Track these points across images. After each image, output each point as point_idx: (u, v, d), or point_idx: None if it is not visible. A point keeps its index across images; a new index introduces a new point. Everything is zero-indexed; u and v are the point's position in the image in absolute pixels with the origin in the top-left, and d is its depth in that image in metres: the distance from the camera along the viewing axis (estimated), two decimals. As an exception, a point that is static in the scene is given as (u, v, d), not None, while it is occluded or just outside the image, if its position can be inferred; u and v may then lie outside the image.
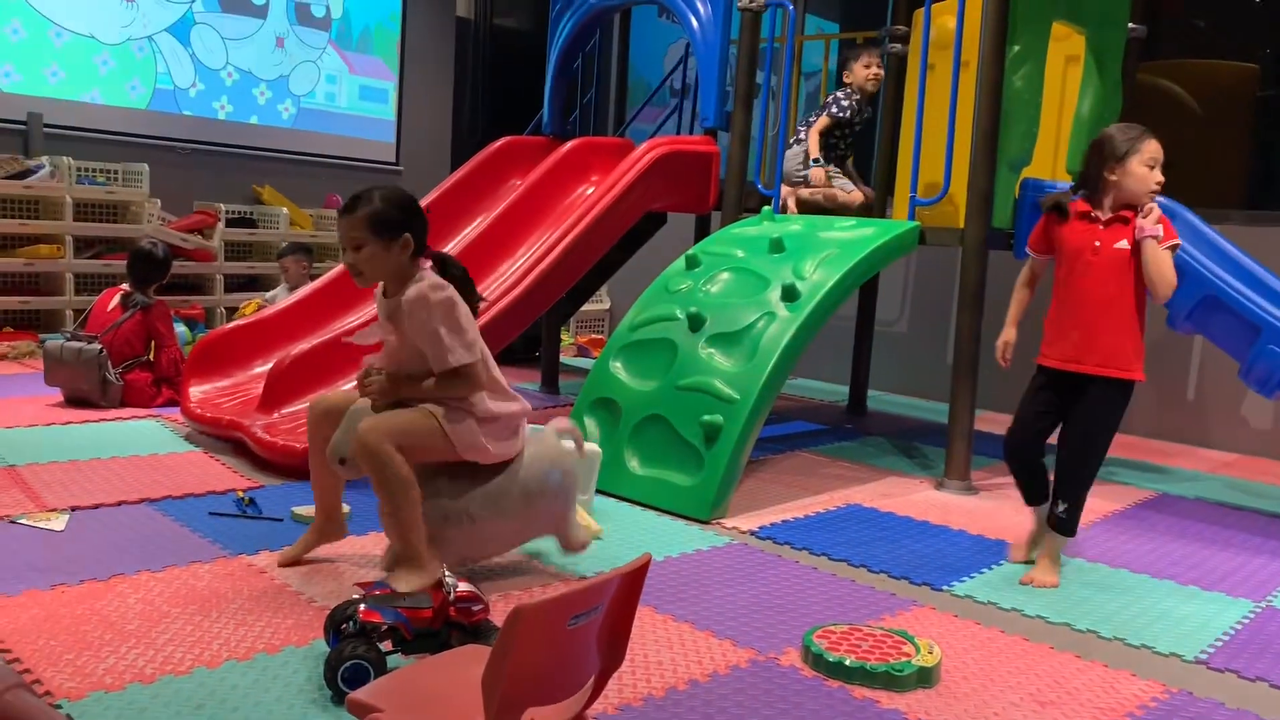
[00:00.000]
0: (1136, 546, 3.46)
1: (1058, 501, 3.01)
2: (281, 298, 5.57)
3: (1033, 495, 3.15)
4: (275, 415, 3.94)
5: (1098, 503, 3.99)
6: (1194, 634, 2.68)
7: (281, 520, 3.15)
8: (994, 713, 2.17)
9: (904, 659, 2.31)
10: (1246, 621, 2.80)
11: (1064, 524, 3.02)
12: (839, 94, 4.79)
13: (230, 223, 6.84)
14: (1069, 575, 3.09)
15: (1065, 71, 4.63)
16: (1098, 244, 2.93)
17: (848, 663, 2.28)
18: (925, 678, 2.28)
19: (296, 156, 7.68)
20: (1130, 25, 4.64)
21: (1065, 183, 4.32)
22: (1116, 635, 2.65)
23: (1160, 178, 2.88)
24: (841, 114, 4.77)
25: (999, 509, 3.81)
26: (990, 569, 3.13)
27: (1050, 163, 4.61)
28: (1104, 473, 4.56)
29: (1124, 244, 2.90)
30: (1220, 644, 2.63)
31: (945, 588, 2.94)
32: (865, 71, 4.62)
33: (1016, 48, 3.98)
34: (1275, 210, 5.32)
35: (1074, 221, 2.99)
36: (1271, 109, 5.81)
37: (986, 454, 4.61)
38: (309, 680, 2.09)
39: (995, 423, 5.53)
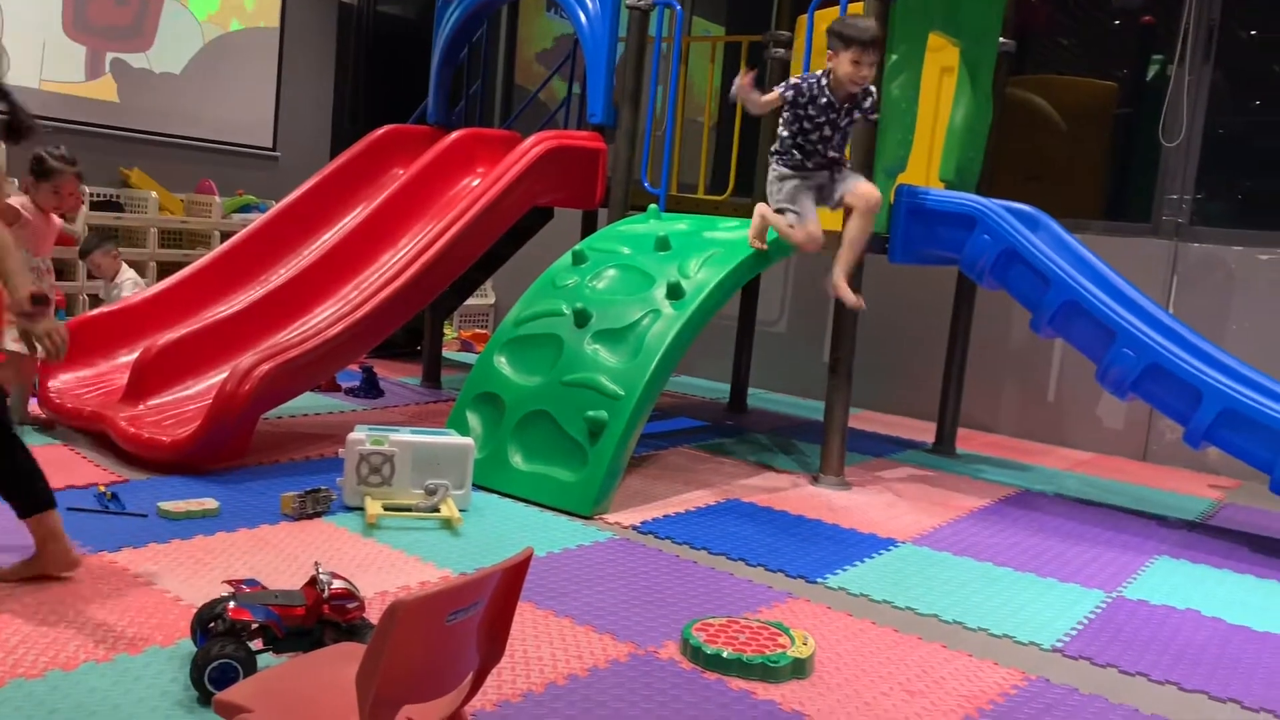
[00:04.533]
0: (1000, 540, 3.60)
1: None
2: (124, 294, 5.10)
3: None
4: (141, 406, 3.78)
5: (965, 499, 4.15)
6: (1052, 624, 2.81)
7: (146, 516, 3.02)
8: (865, 702, 2.24)
9: (779, 650, 2.36)
10: (1099, 611, 2.95)
11: None
12: (810, 77, 3.66)
13: (95, 206, 6.52)
14: (941, 567, 3.20)
15: (940, 82, 4.78)
16: None
17: (725, 655, 2.32)
18: (800, 669, 2.33)
19: (167, 138, 7.38)
20: (1001, 40, 4.83)
21: (939, 190, 4.47)
22: (981, 626, 2.76)
23: None
24: (786, 90, 3.63)
25: (871, 504, 3.92)
26: (863, 562, 3.22)
27: (924, 170, 4.76)
28: (971, 469, 4.77)
29: None
30: (1075, 632, 2.76)
31: (820, 580, 3.01)
32: (851, 69, 3.52)
33: (894, 56, 4.10)
34: (1131, 221, 5.62)
35: None
36: (1128, 125, 6.13)
37: (860, 451, 4.75)
38: (174, 681, 2.02)
39: (870, 421, 5.71)
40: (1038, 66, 6.34)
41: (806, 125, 3.68)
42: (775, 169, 3.81)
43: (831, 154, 3.74)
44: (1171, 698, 2.40)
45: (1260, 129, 5.75)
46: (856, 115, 3.70)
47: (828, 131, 3.69)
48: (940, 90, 4.76)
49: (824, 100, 3.63)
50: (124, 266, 5.49)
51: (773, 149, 3.84)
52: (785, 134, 3.75)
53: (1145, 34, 6.08)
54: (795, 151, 3.74)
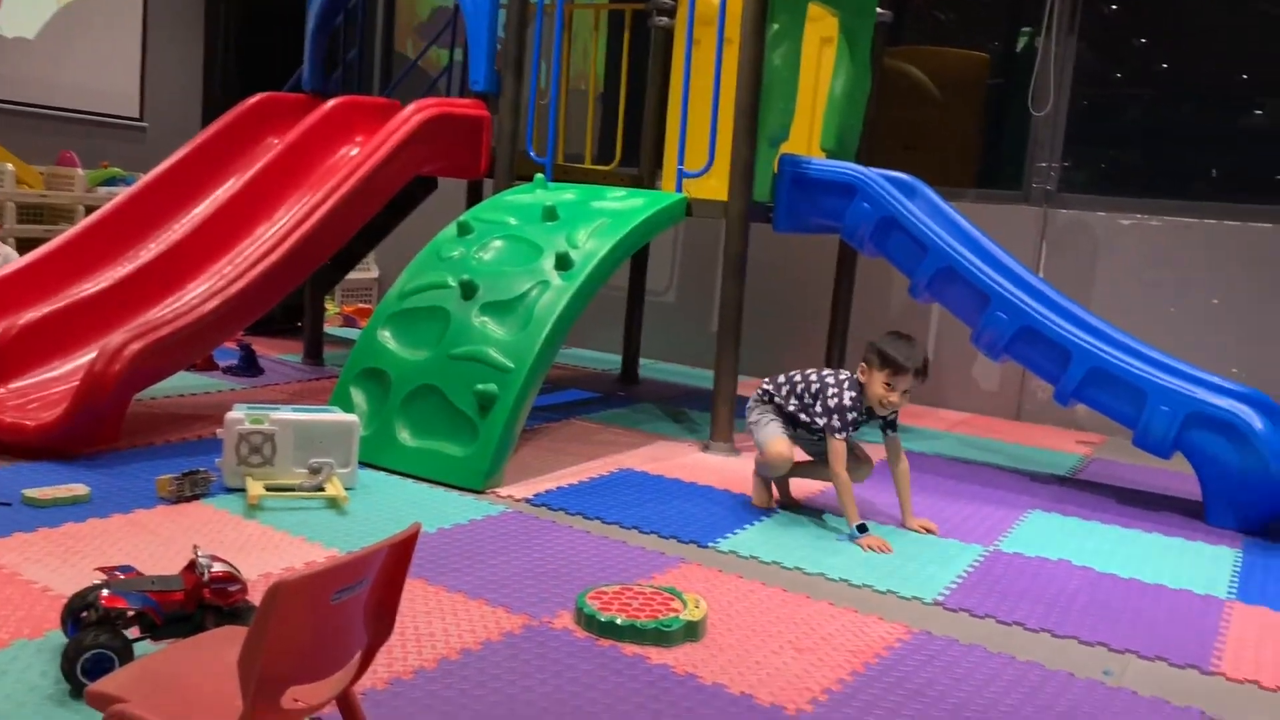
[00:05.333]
0: (883, 499, 3.70)
1: None
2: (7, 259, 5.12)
3: None
4: (1, 390, 3.59)
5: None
6: (933, 578, 2.91)
7: (10, 504, 2.87)
8: (756, 661, 2.28)
9: (672, 615, 2.38)
10: (977, 564, 3.07)
11: None
12: (850, 393, 3.34)
13: (-58, 178, 6.14)
14: (827, 527, 3.28)
15: (820, 52, 4.85)
16: None
17: (619, 621, 2.33)
18: (692, 631, 2.36)
19: (22, 107, 6.97)
20: (878, 10, 4.91)
21: (820, 160, 4.55)
22: (865, 582, 2.84)
23: None
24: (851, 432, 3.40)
25: (761, 469, 3.99)
26: (752, 525, 3.27)
27: (806, 140, 4.83)
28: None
29: None
30: (955, 586, 2.87)
31: (711, 544, 3.05)
32: (883, 391, 3.28)
33: (776, 26, 4.13)
34: (1003, 189, 5.81)
35: None
36: (1000, 96, 6.33)
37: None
38: (44, 675, 1.93)
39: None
40: (913, 38, 6.48)
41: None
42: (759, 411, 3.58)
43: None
44: (1045, 644, 2.52)
45: (1122, 100, 6.00)
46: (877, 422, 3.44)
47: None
48: (820, 60, 4.83)
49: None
50: None
51: (765, 397, 3.60)
52: (790, 408, 3.50)
53: (1015, 6, 6.28)
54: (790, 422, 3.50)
